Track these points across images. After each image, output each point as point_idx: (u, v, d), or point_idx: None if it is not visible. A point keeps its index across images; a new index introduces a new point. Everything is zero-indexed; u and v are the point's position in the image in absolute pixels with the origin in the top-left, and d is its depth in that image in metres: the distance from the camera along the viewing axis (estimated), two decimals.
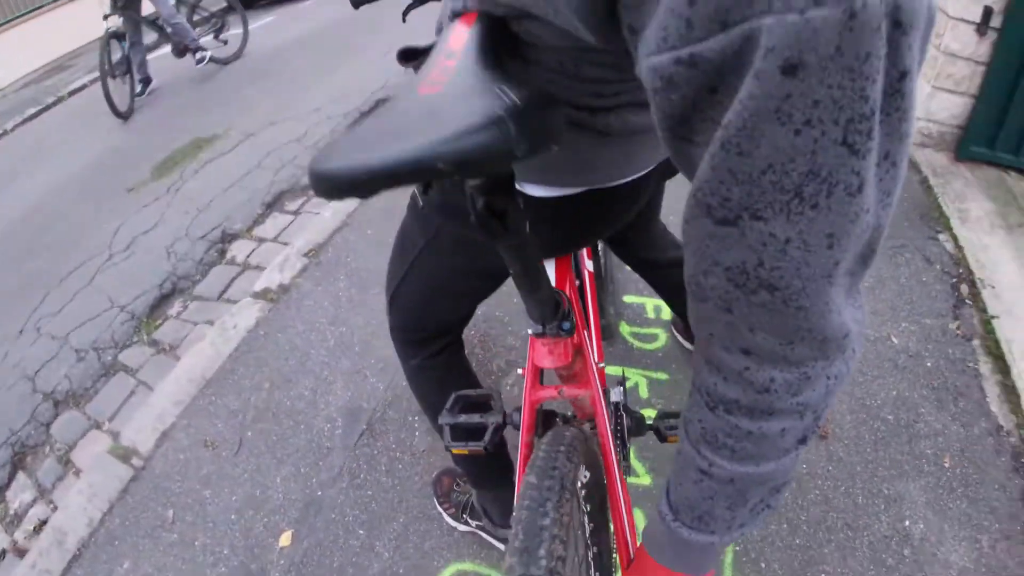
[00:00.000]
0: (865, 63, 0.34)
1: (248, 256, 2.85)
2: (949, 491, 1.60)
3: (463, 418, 1.04)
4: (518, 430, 0.98)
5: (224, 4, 6.19)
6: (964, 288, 2.30)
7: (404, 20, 1.25)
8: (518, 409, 1.01)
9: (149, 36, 5.54)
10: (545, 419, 1.01)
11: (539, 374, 0.95)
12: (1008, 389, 1.88)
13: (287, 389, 2.06)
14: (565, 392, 0.95)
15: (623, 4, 0.41)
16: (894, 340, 2.04)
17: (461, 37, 0.55)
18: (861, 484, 1.62)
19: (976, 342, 2.06)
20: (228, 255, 2.89)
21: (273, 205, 3.20)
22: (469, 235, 0.85)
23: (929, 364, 1.97)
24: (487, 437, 1.00)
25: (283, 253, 2.63)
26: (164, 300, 2.71)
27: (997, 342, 2.05)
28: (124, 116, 4.98)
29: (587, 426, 1.02)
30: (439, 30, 0.77)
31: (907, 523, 1.53)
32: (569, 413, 1.11)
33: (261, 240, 2.95)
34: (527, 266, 0.71)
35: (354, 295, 2.34)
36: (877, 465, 1.67)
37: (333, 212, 2.84)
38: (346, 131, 0.68)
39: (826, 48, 0.33)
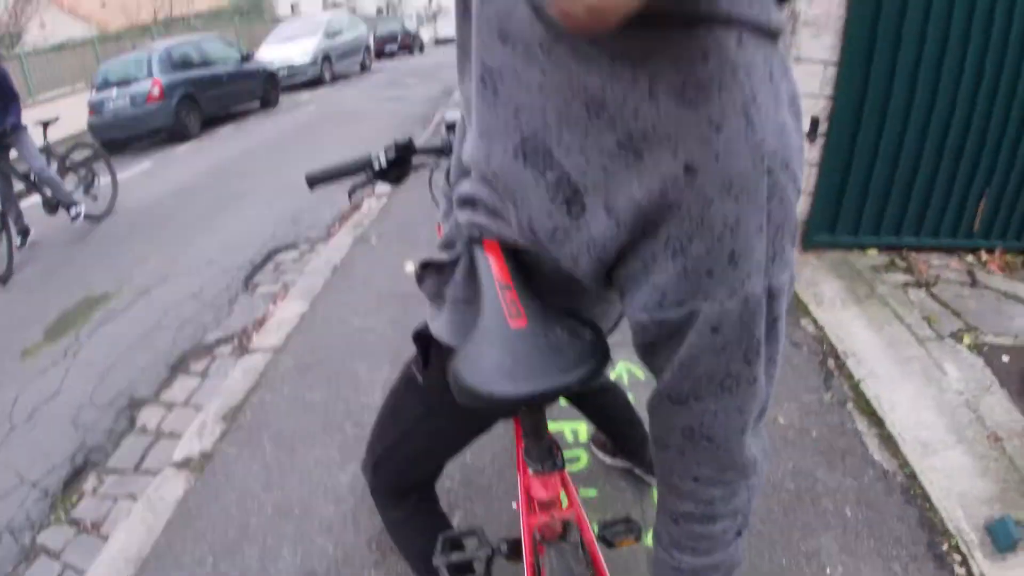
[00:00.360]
0: (754, 320, 0.66)
1: (160, 423, 2.78)
2: (856, 535, 1.88)
3: (455, 556, 1.14)
4: (507, 559, 1.12)
5: (89, 152, 6.00)
6: (830, 362, 2.70)
7: (350, 199, 1.52)
8: (504, 540, 1.14)
9: (18, 185, 5.19)
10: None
11: (531, 504, 1.06)
12: (885, 438, 2.23)
13: (232, 560, 1.99)
14: (556, 516, 1.04)
15: (618, 279, 0.69)
16: (781, 420, 2.36)
17: (503, 269, 0.78)
18: (781, 547, 1.86)
19: (850, 405, 2.43)
20: (138, 423, 2.79)
21: (178, 367, 3.15)
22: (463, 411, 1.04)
23: (814, 433, 2.30)
24: (482, 569, 1.11)
25: (198, 419, 2.58)
26: (77, 474, 2.55)
27: (867, 401, 2.42)
28: (3, 279, 4.63)
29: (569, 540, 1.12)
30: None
31: (828, 570, 1.78)
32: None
33: (171, 405, 2.88)
34: (538, 423, 0.94)
35: (283, 458, 2.31)
36: (791, 528, 1.92)
37: (243, 372, 2.85)
38: (475, 351, 0.74)
39: (733, 317, 0.64)
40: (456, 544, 1.18)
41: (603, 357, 0.74)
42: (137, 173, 7.52)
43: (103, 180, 5.99)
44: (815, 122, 3.36)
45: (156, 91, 8.89)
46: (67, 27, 19.31)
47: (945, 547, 1.84)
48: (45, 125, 5.50)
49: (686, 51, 0.54)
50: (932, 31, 3.18)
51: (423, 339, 1.01)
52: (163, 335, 3.44)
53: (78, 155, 5.81)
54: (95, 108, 9.07)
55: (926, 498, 2.00)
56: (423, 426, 1.14)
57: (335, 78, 15.22)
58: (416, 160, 1.51)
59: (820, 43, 3.25)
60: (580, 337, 0.74)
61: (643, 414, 0.87)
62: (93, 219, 5.63)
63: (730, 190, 0.58)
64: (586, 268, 0.68)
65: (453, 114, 1.23)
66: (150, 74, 9.05)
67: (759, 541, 1.87)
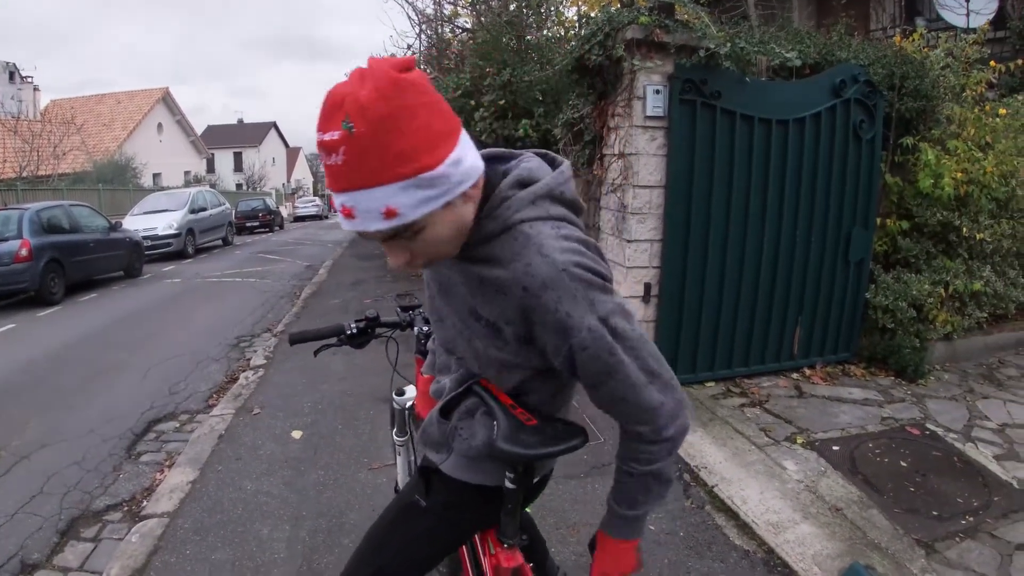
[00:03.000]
0: (601, 335, 1.02)
1: None
2: None
3: None
4: None
5: None
6: (687, 476, 3.15)
7: (316, 356, 1.95)
8: None
9: None
10: None
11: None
12: (742, 527, 2.64)
13: None
14: None
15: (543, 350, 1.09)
16: (651, 528, 2.71)
17: (503, 395, 1.20)
18: None
19: (708, 507, 2.85)
20: None
21: (68, 533, 2.99)
22: (468, 519, 1.38)
23: (682, 533, 2.70)
24: None
25: None
26: None
27: (722, 501, 2.86)
28: None
29: None
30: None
31: None
32: None
33: (66, 570, 2.71)
34: (519, 503, 1.30)
35: None
36: None
37: (140, 536, 2.78)
38: (509, 440, 0.99)
39: (588, 339, 1.01)
40: None
41: (584, 436, 1.18)
42: (2, 333, 7.16)
43: None
44: (648, 287, 4.08)
45: (24, 251, 8.59)
46: None
47: None
48: None
49: (503, 244, 1.05)
50: (735, 206, 4.05)
51: (424, 474, 1.35)
52: (49, 501, 3.26)
53: None
54: None
55: (785, 565, 2.40)
56: (418, 544, 1.37)
57: (198, 251, 15.22)
58: (379, 331, 1.90)
59: (646, 227, 4.05)
60: (567, 426, 1.21)
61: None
62: None
63: (548, 310, 1.01)
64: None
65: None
66: (19, 234, 8.77)
67: None
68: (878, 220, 4.53)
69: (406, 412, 2.11)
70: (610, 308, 1.02)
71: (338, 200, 0.97)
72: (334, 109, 0.91)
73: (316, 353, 1.92)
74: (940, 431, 3.55)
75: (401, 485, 2.29)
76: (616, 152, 4.12)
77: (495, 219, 1.04)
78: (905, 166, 4.51)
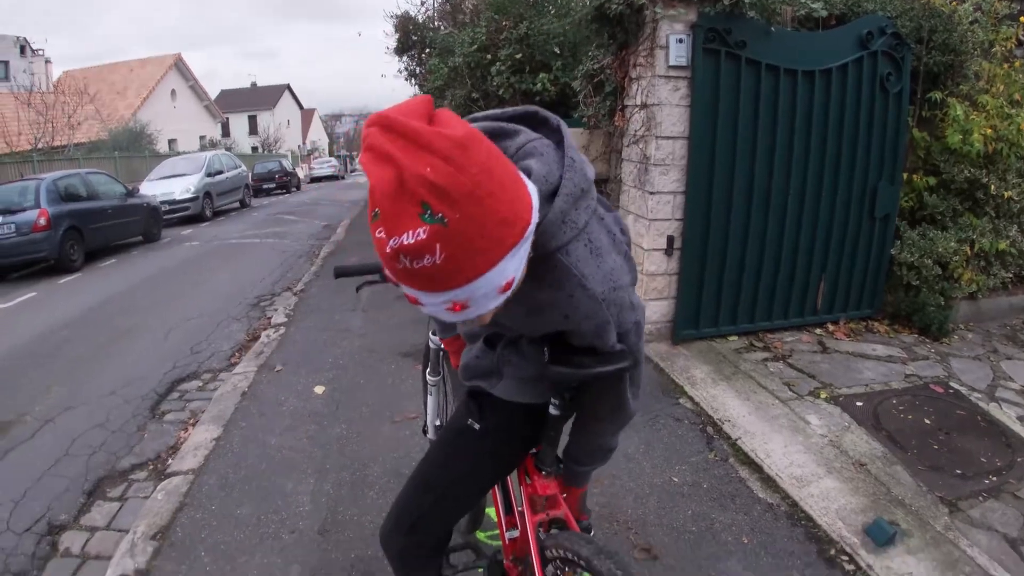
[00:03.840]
0: (600, 308, 1.06)
1: (84, 547, 2.66)
2: (755, 556, 2.22)
3: (462, 566, 1.50)
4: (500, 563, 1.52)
5: None
6: (710, 429, 3.11)
7: (357, 291, 1.98)
8: (498, 550, 1.51)
9: None
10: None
11: (533, 506, 1.44)
12: (766, 480, 2.62)
13: None
14: (552, 514, 1.45)
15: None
16: (675, 480, 2.73)
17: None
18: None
19: (731, 460, 2.83)
20: (61, 547, 2.67)
21: (94, 493, 3.05)
22: (519, 438, 1.41)
23: (705, 486, 2.68)
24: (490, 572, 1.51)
25: (127, 539, 2.53)
26: None
27: (746, 454, 2.83)
28: None
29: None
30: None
31: None
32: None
33: (93, 529, 2.78)
34: (559, 432, 1.38)
35: (224, 568, 2.33)
36: (699, 560, 2.24)
37: (166, 494, 2.83)
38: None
39: (589, 304, 1.06)
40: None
41: (632, 358, 1.20)
42: (25, 301, 7.23)
43: None
44: (671, 240, 4.01)
45: (43, 221, 8.68)
46: None
47: (832, 552, 2.23)
48: None
49: (542, 269, 1.00)
50: (760, 159, 3.96)
51: (477, 397, 1.38)
52: (74, 462, 3.32)
53: None
54: None
55: (808, 519, 2.39)
56: (481, 459, 1.42)
57: (216, 215, 15.26)
58: None
59: (669, 178, 3.96)
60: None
61: None
62: None
63: (588, 318, 1.08)
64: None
65: None
66: (37, 204, 8.86)
67: (675, 574, 2.16)
68: (904, 175, 4.41)
69: (441, 352, 2.13)
70: (631, 326, 1.16)
71: (440, 299, 0.85)
72: (398, 203, 0.76)
73: (358, 289, 1.95)
74: (964, 390, 3.51)
75: (431, 425, 2.32)
76: (638, 103, 4.03)
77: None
78: (932, 121, 4.39)
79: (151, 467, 3.29)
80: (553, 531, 1.46)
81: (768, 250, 4.14)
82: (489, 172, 0.80)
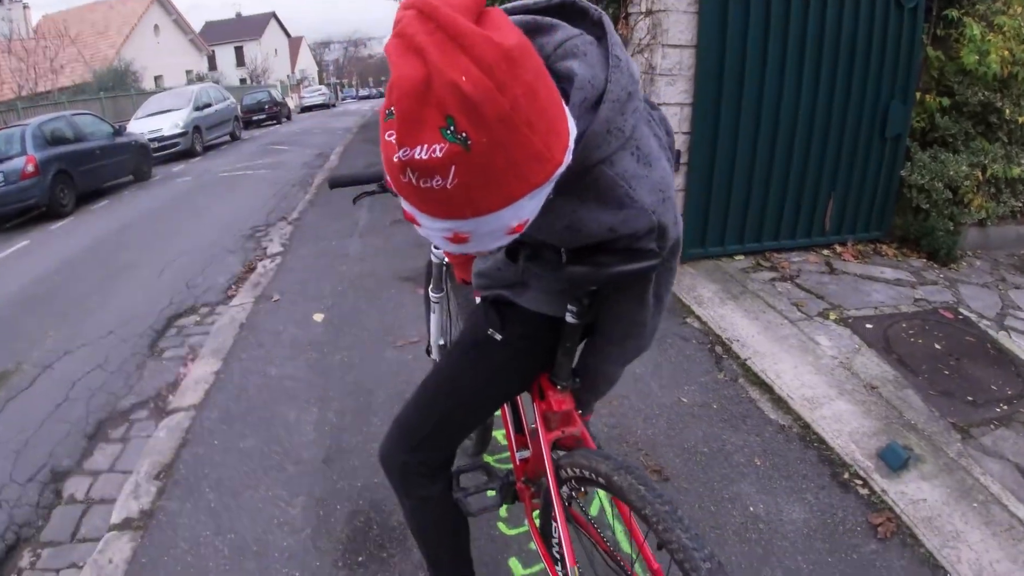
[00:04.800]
0: (649, 219, 0.96)
1: (88, 491, 2.65)
2: (768, 478, 2.19)
3: (473, 487, 1.45)
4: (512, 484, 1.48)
5: None
6: (718, 348, 3.05)
7: (354, 203, 1.88)
8: (510, 471, 1.47)
9: None
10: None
11: (548, 423, 1.36)
12: (777, 401, 2.58)
13: None
14: (567, 431, 1.37)
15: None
16: (684, 400, 2.68)
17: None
18: (708, 498, 2.14)
19: (741, 380, 2.77)
20: (65, 494, 2.65)
21: (96, 436, 3.02)
22: (542, 350, 1.30)
23: (715, 406, 2.63)
24: (500, 496, 1.51)
25: (131, 480, 2.50)
26: (10, 552, 2.40)
27: (756, 375, 2.77)
28: None
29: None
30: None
31: (752, 508, 2.07)
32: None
33: (96, 473, 2.76)
34: (576, 345, 1.27)
35: (229, 503, 2.30)
36: (712, 482, 2.21)
37: (168, 431, 2.79)
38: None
39: (638, 217, 0.95)
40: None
41: (659, 256, 1.07)
42: (17, 251, 7.10)
43: None
44: (678, 155, 3.85)
45: (30, 167, 8.43)
46: None
47: (846, 475, 2.20)
48: None
49: (583, 183, 0.89)
50: (770, 71, 3.76)
51: (498, 306, 1.28)
52: (75, 407, 3.29)
53: None
54: None
55: (821, 441, 2.36)
56: (501, 370, 1.34)
57: (207, 149, 14.90)
58: None
59: (675, 89, 3.77)
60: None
61: None
62: None
63: (635, 232, 0.97)
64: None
65: None
66: (23, 150, 8.59)
67: (686, 495, 2.13)
68: (916, 95, 4.25)
69: (444, 267, 2.03)
70: (672, 241, 1.05)
71: (440, 225, 0.75)
72: (418, 108, 0.64)
73: (356, 200, 1.86)
74: (973, 317, 3.46)
75: (435, 345, 2.24)
76: (643, 9, 3.81)
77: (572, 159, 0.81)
78: (947, 41, 4.20)
79: (152, 405, 3.26)
80: (564, 451, 1.40)
81: (776, 168, 4.00)
82: (533, 96, 0.68)
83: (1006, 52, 3.99)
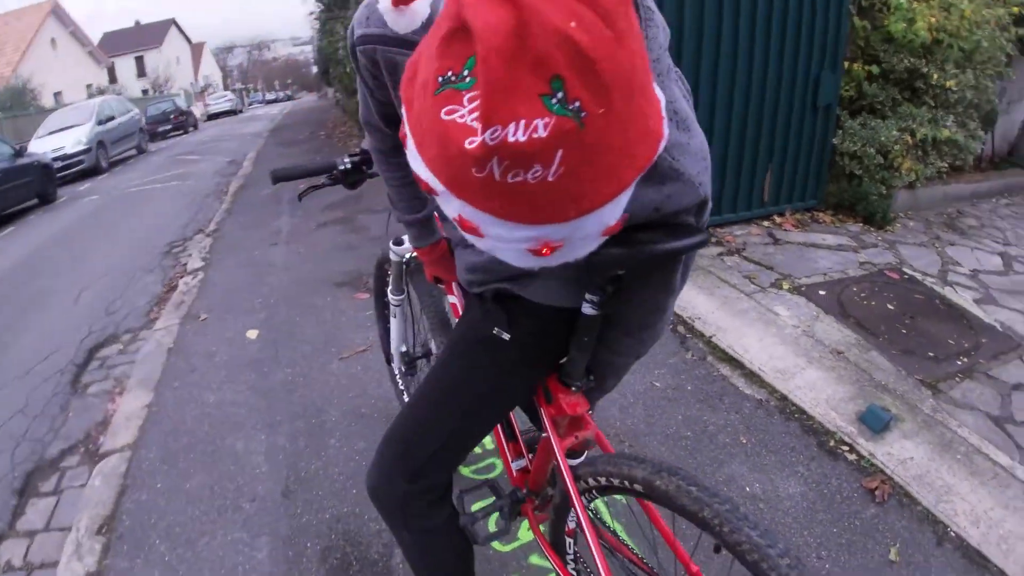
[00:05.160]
0: (696, 191, 0.83)
1: (26, 555, 2.32)
2: (757, 455, 2.13)
3: (480, 511, 1.28)
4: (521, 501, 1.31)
5: None
6: (681, 328, 2.98)
7: (300, 200, 1.64)
8: (518, 488, 1.31)
9: None
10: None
11: (558, 429, 1.19)
12: (749, 375, 2.53)
13: None
14: (580, 436, 1.20)
15: None
16: (657, 384, 2.59)
17: None
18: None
19: (710, 358, 2.70)
20: (1, 561, 2.32)
21: (26, 491, 2.67)
22: (554, 347, 1.12)
23: (689, 387, 2.55)
24: (507, 517, 1.31)
25: (71, 539, 2.22)
26: None
27: (723, 350, 2.72)
28: None
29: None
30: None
31: (748, 489, 2.00)
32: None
33: (32, 534, 2.42)
34: (592, 339, 1.06)
35: (184, 554, 2.06)
36: (702, 466, 2.13)
37: (104, 479, 2.51)
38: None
39: (684, 192, 0.82)
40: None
41: (707, 235, 0.93)
42: None
43: None
44: None
45: None
46: None
47: (832, 443, 2.17)
48: None
49: None
50: (706, 50, 3.75)
51: (503, 301, 1.08)
52: None
53: None
54: None
55: (801, 411, 2.32)
56: (507, 381, 1.16)
57: (113, 165, 14.02)
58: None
59: None
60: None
61: None
62: None
63: (682, 206, 0.82)
64: None
65: None
66: None
67: None
68: (844, 64, 4.33)
69: (403, 265, 1.82)
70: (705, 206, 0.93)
71: (525, 234, 0.57)
72: (511, 69, 0.47)
73: (301, 197, 1.64)
74: (918, 275, 3.55)
75: (396, 352, 2.06)
76: None
77: None
78: (871, 11, 4.34)
79: (83, 449, 2.91)
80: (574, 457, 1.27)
81: (716, 141, 3.99)
82: (643, 53, 0.52)
83: (933, 19, 4.12)
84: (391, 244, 1.76)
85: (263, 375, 3.10)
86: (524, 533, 1.92)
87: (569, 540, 1.20)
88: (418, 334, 2.06)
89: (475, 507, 1.36)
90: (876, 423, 2.17)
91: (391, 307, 1.96)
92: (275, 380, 3.04)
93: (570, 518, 1.24)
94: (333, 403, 2.76)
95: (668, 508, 0.97)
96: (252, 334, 3.59)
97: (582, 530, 1.09)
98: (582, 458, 1.25)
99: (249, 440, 2.60)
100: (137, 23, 46.02)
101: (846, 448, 2.15)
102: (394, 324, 1.99)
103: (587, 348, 1.09)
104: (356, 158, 1.53)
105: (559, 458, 1.17)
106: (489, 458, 2.26)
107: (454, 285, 1.53)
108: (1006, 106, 5.55)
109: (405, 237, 1.69)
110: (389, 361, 2.15)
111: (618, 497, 1.34)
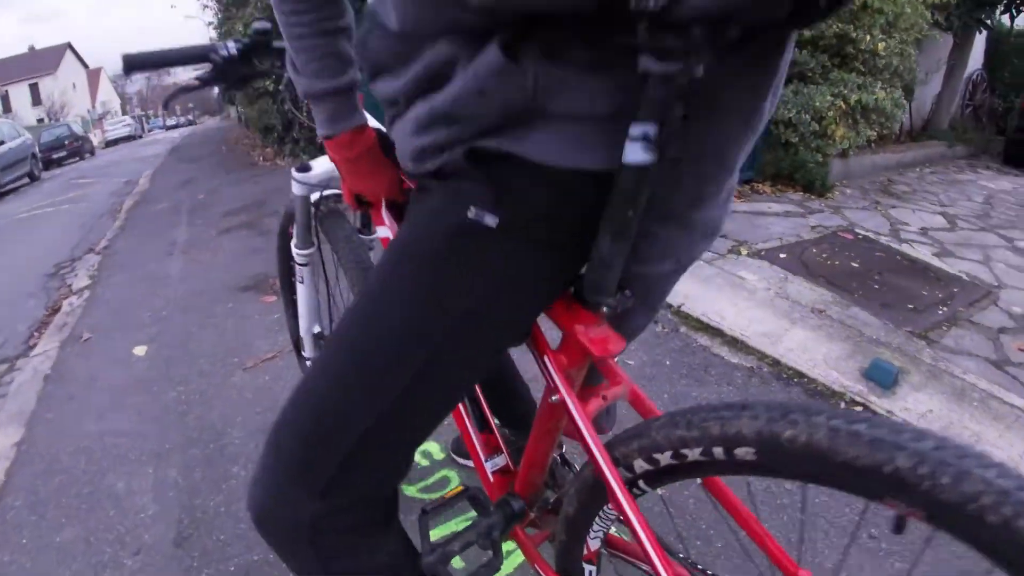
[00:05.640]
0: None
1: None
2: None
3: (459, 544, 0.82)
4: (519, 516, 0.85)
5: None
6: None
7: (166, 107, 1.32)
8: (512, 495, 0.86)
9: None
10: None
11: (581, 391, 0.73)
12: (732, 342, 2.23)
13: None
14: (609, 396, 0.75)
15: None
16: (632, 363, 2.25)
17: None
18: None
19: (683, 328, 2.38)
20: None
21: None
22: (568, 241, 0.68)
23: (668, 362, 2.21)
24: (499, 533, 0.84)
25: None
26: None
27: (697, 319, 2.41)
28: None
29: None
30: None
31: None
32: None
33: None
34: (638, 210, 0.60)
35: None
36: None
37: None
38: None
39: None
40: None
41: None
42: None
43: None
44: None
45: None
46: None
47: (843, 404, 1.88)
48: None
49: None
50: None
51: (485, 163, 0.63)
52: None
53: None
54: None
55: (799, 374, 2.03)
56: (493, 302, 0.68)
57: (2, 194, 12.89)
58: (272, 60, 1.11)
59: None
60: None
61: None
62: None
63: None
64: None
65: None
66: None
67: None
68: None
69: (313, 206, 1.30)
70: None
71: None
72: None
73: (167, 103, 1.24)
74: (872, 235, 3.46)
75: (307, 335, 1.57)
76: None
77: None
78: None
79: None
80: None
81: None
82: None
83: None
84: (294, 172, 1.25)
85: (152, 396, 2.58)
86: (507, 562, 1.44)
87: (589, 568, 0.77)
88: (336, 308, 1.57)
89: (438, 533, 0.90)
90: (885, 378, 1.91)
91: (296, 270, 1.45)
92: (166, 400, 2.51)
93: (592, 533, 0.79)
94: (236, 422, 2.26)
95: (845, 464, 0.52)
96: (140, 351, 3.05)
97: (644, 551, 0.64)
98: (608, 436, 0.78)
99: (133, 476, 2.07)
100: (31, 48, 44.34)
101: (859, 408, 1.86)
102: (302, 294, 1.47)
103: (627, 235, 0.62)
104: (247, 40, 1.06)
105: (586, 433, 0.70)
106: (440, 470, 1.81)
107: (384, 210, 1.02)
108: (924, 75, 5.69)
109: (313, 162, 1.22)
110: (299, 351, 1.66)
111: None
